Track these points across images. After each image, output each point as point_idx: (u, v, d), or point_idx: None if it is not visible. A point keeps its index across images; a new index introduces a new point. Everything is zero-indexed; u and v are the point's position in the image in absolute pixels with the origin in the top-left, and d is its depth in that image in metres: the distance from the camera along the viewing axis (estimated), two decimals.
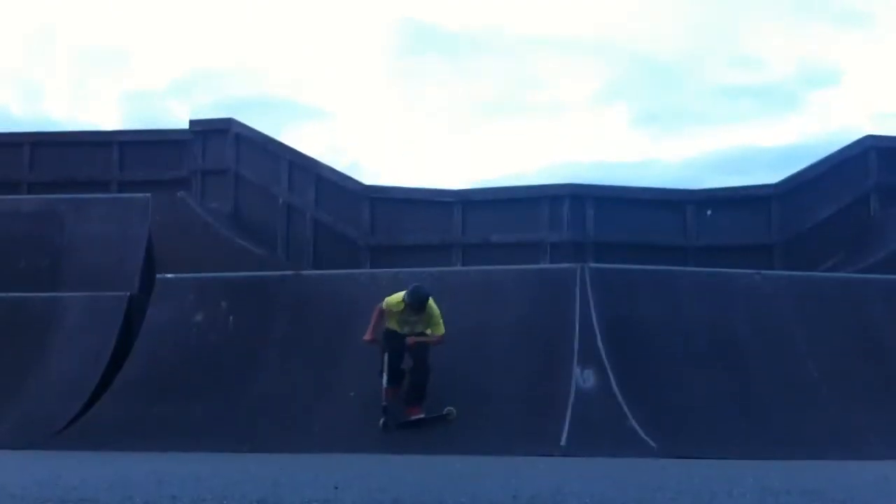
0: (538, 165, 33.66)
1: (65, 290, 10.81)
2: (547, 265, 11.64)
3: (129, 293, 10.49)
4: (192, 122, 13.71)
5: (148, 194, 11.99)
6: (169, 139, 13.86)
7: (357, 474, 4.93)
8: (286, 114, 32.90)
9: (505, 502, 3.20)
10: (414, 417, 8.97)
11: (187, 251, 11.37)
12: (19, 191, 13.43)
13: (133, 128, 14.26)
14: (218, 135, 13.50)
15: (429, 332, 9.12)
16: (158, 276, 10.52)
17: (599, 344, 9.26)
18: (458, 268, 11.81)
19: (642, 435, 8.55)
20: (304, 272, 10.97)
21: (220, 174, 13.33)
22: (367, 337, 9.13)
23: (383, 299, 9.14)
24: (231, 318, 10.08)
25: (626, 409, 8.82)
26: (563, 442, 8.48)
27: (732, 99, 33.73)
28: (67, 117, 32.71)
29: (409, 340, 9.02)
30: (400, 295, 9.07)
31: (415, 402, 9.06)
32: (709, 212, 12.87)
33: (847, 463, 7.25)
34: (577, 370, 9.12)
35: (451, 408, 8.97)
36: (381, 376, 8.99)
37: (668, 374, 9.30)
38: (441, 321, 9.10)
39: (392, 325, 9.13)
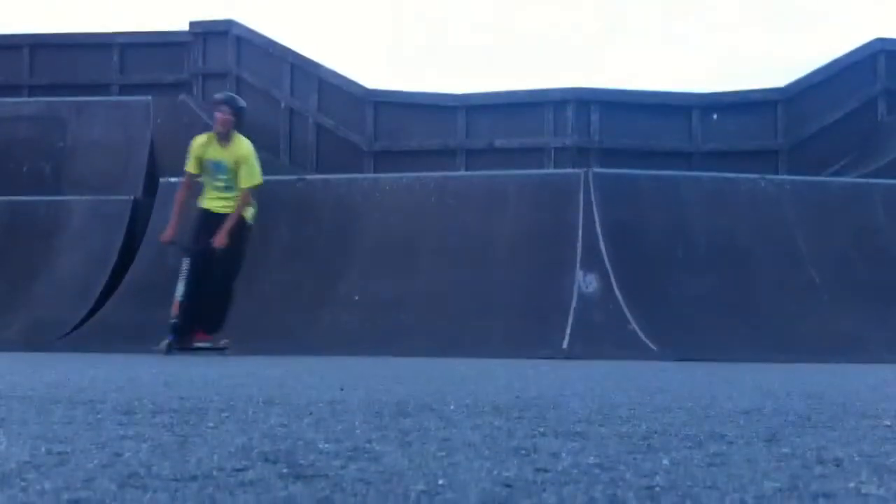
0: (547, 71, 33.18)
1: (68, 193, 10.81)
2: (551, 170, 11.60)
3: (132, 197, 10.50)
4: (191, 24, 13.51)
5: (149, 97, 11.89)
6: (169, 41, 13.67)
7: (361, 376, 5.00)
8: (289, 13, 32.34)
9: (508, 403, 3.25)
10: (199, 344, 8.02)
11: None
12: (19, 93, 13.31)
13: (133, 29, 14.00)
14: (218, 37, 13.31)
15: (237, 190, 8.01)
16: (162, 179, 10.51)
17: (602, 249, 9.29)
18: (462, 173, 11.78)
19: (643, 338, 8.64)
20: (308, 176, 10.95)
21: (221, 77, 13.19)
22: (165, 235, 8.16)
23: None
24: None
25: (627, 313, 8.90)
26: (565, 345, 8.58)
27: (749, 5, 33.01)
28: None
29: (216, 240, 7.89)
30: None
31: (208, 324, 8.02)
32: (714, 116, 12.77)
33: (847, 367, 7.34)
34: (579, 275, 9.17)
35: (228, 340, 8.14)
36: (178, 283, 7.93)
37: (669, 279, 9.36)
38: (256, 166, 7.99)
39: (204, 195, 8.02)
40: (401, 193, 10.07)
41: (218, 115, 8.17)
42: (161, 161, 11.27)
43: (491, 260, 9.51)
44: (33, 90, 13.47)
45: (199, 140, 8.29)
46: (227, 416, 2.70)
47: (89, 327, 9.41)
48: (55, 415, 2.71)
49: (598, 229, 9.40)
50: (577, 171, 10.08)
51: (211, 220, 8.08)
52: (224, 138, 8.13)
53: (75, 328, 9.42)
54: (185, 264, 8.01)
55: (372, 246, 9.73)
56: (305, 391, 3.76)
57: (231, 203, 8.13)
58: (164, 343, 7.91)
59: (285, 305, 9.42)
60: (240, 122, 8.20)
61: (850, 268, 9.55)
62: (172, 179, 10.45)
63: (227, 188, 8.17)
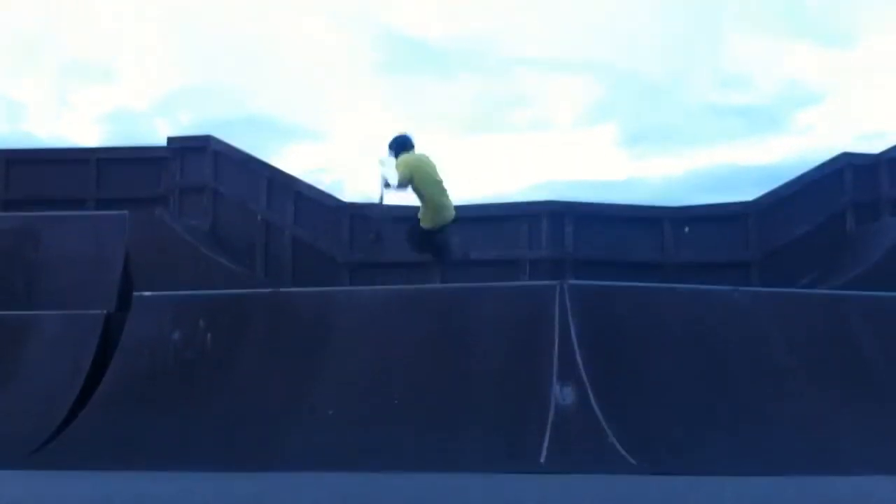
0: (523, 185, 33.82)
1: (40, 307, 10.71)
2: (526, 282, 11.66)
3: (105, 311, 10.41)
4: (169, 140, 13.67)
5: (125, 212, 11.92)
6: (147, 156, 13.81)
7: (338, 494, 4.90)
8: (270, 133, 32.88)
9: None
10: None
11: (165, 269, 11.32)
12: None
13: (113, 145, 14.14)
14: (196, 152, 13.47)
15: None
16: (136, 293, 10.45)
17: (579, 361, 9.26)
18: (437, 285, 11.80)
19: (622, 451, 8.55)
20: (282, 290, 10.94)
21: (199, 191, 13.29)
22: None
23: (403, 173, 10.06)
24: (209, 335, 10.01)
25: (605, 425, 8.82)
26: (542, 459, 8.47)
27: (718, 118, 34.03)
28: (50, 136, 32.58)
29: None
30: (411, 155, 10.07)
31: None
32: (686, 229, 12.95)
33: (826, 478, 7.28)
34: (556, 387, 9.12)
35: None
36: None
37: (647, 391, 9.31)
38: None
39: (430, 212, 10.55)
40: (376, 306, 10.05)
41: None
42: (136, 274, 11.24)
43: (466, 373, 9.44)
44: (8, 204, 13.51)
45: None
46: None
47: (59, 442, 9.21)
48: None
49: (575, 341, 9.38)
50: (552, 282, 10.12)
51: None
52: None
53: (43, 444, 9.22)
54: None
55: (346, 358, 9.65)
56: None
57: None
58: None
59: (260, 419, 9.28)
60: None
61: (827, 379, 9.55)
62: (146, 294, 10.40)
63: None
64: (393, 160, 10.22)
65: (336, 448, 8.87)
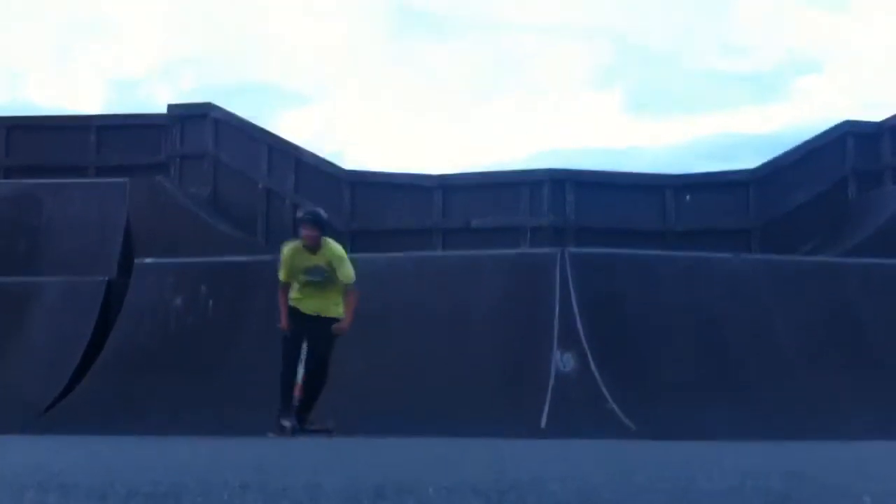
0: (526, 153, 33.74)
1: (42, 274, 10.75)
2: (527, 250, 11.66)
3: (107, 278, 10.44)
4: (170, 107, 13.59)
5: (126, 179, 11.91)
6: (147, 123, 13.74)
7: (337, 458, 4.94)
8: (271, 100, 32.79)
9: (488, 485, 3.22)
10: (312, 427, 8.16)
11: (166, 236, 11.33)
12: None
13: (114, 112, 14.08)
14: (197, 119, 13.40)
15: (337, 284, 8.16)
16: (137, 260, 10.47)
17: (579, 327, 9.30)
18: (439, 252, 11.81)
19: (621, 416, 8.61)
20: None
21: (199, 159, 13.24)
22: (282, 325, 8.27)
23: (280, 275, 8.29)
24: (210, 302, 10.05)
25: (605, 391, 8.88)
26: (542, 424, 8.53)
27: (721, 86, 33.87)
28: (49, 103, 32.48)
29: (336, 327, 8.19)
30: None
31: (309, 407, 8.18)
32: (687, 196, 12.92)
33: (826, 443, 7.32)
34: (556, 353, 9.16)
35: (333, 422, 8.19)
36: (299, 367, 8.12)
37: (647, 357, 9.37)
38: (348, 261, 8.20)
39: (294, 294, 8.23)
40: (377, 273, 10.07)
41: (304, 232, 8.32)
42: (137, 241, 11.25)
43: (468, 339, 9.49)
44: (10, 171, 13.47)
45: (289, 250, 8.40)
46: (202, 502, 2.66)
47: (61, 408, 9.28)
48: (26, 500, 2.65)
49: (575, 308, 9.41)
50: (552, 250, 10.14)
51: (307, 318, 8.28)
52: (313, 250, 8.30)
53: (46, 409, 9.28)
54: (304, 352, 8.22)
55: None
56: (281, 475, 3.71)
57: (328, 298, 8.30)
58: (288, 427, 8.02)
59: (260, 386, 9.32)
60: (324, 232, 8.38)
61: (825, 345, 9.59)
62: (147, 260, 10.42)
63: (323, 285, 8.32)
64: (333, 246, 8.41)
65: (336, 412, 8.92)
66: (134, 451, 5.41)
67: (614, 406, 8.73)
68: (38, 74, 32.73)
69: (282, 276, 8.39)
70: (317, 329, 8.23)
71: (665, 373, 9.24)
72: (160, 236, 11.33)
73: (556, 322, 9.35)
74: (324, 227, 8.37)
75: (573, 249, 10.23)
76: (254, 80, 32.64)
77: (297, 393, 8.16)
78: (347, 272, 8.28)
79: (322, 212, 8.63)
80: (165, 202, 12.00)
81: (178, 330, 9.90)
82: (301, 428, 8.12)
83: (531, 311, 9.58)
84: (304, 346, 8.24)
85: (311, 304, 8.32)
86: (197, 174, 13.19)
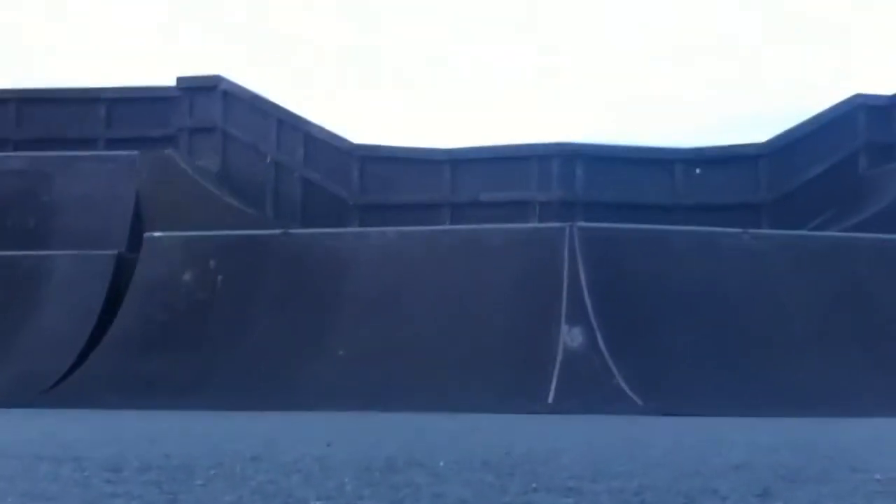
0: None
1: (53, 248, 10.77)
2: (536, 224, 11.63)
3: (117, 251, 10.46)
4: (179, 79, 13.55)
5: (135, 152, 11.90)
6: (156, 96, 13.70)
7: (348, 431, 4.96)
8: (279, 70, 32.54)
9: (498, 459, 3.23)
10: None
11: (175, 209, 11.32)
12: (6, 148, 13.29)
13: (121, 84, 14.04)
14: (205, 92, 13.36)
15: None
16: (146, 234, 10.49)
17: (587, 303, 9.29)
18: (447, 227, 11.79)
19: (629, 392, 8.61)
20: (293, 231, 10.95)
21: (208, 132, 13.21)
22: None
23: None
24: (219, 276, 10.07)
25: (612, 367, 8.88)
26: (550, 399, 8.54)
27: None
28: (59, 76, 32.29)
29: None
30: None
31: None
32: (697, 170, 12.86)
33: (835, 419, 7.33)
34: (564, 329, 9.16)
35: None
36: None
37: (655, 333, 9.35)
38: None
39: None
40: (387, 247, 10.08)
41: None
42: (147, 215, 11.25)
43: (476, 314, 9.49)
44: (19, 144, 13.46)
45: None
46: (214, 473, 2.67)
47: (72, 381, 9.32)
48: (41, 472, 2.67)
49: (584, 283, 9.40)
50: (561, 225, 10.11)
51: None
52: None
53: (58, 382, 9.33)
54: None
55: (357, 300, 9.70)
56: (292, 447, 3.73)
57: None
58: None
59: (270, 360, 9.36)
60: None
61: (835, 320, 9.57)
62: (157, 234, 10.44)
63: None
64: None
65: (347, 388, 8.95)
66: (145, 425, 5.45)
67: (621, 381, 8.73)
68: (46, 46, 32.62)
69: None
70: None
71: (673, 348, 9.23)
72: (169, 210, 11.32)
73: (564, 297, 9.34)
74: None
75: (582, 224, 10.21)
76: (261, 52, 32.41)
77: None
78: None
79: None
80: (175, 176, 11.98)
81: (187, 304, 9.92)
82: None
83: (539, 286, 9.57)
84: None
85: None
86: (206, 147, 13.17)
